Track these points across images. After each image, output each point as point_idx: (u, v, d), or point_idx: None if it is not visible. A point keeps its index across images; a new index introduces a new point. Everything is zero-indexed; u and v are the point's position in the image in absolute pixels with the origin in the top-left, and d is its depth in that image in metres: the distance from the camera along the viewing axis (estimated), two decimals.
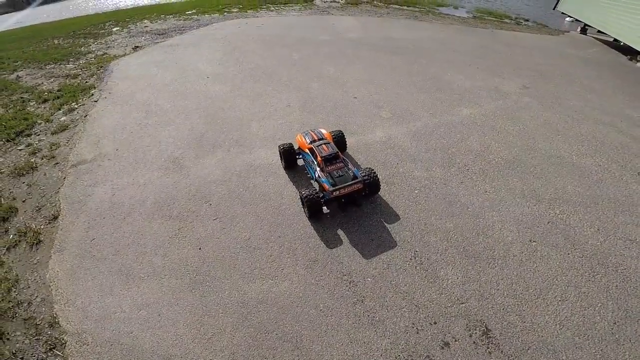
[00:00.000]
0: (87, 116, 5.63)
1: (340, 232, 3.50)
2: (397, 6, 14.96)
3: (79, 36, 12.36)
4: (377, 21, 11.14)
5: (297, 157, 4.28)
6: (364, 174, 3.67)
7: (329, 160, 3.78)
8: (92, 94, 6.32)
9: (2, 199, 4.24)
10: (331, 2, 15.47)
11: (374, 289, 2.98)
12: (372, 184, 3.66)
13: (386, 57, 7.35)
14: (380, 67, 6.80)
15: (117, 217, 3.78)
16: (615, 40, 10.10)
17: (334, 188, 3.50)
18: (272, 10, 13.21)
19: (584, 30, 13.64)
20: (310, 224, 3.60)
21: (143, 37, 10.21)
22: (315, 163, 3.85)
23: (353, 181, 3.57)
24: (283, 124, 4.99)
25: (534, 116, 5.42)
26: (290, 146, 4.21)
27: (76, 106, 6.01)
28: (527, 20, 15.79)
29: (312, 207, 3.50)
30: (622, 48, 9.50)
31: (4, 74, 8.41)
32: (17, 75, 8.13)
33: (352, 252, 3.28)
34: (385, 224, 3.56)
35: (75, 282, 3.15)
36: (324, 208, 3.71)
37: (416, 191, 3.98)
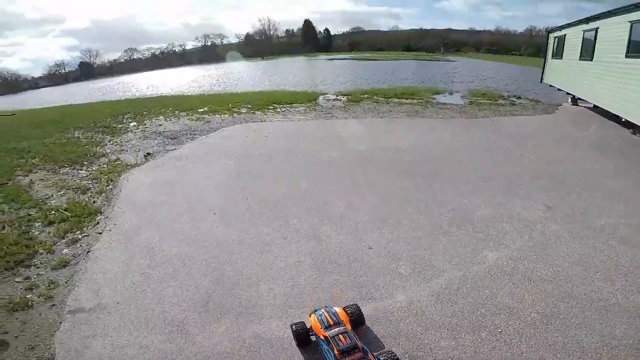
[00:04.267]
0: (90, 253, 4.99)
1: None
2: (396, 99, 15.12)
3: (99, 129, 12.13)
4: (380, 124, 10.99)
5: (310, 334, 3.52)
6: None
7: (347, 352, 3.05)
8: (98, 222, 5.74)
9: None
10: (334, 100, 15.52)
11: None
12: None
13: (397, 180, 6.81)
14: (393, 197, 6.21)
15: None
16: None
17: None
18: (278, 112, 12.98)
19: (574, 101, 13.68)
20: None
21: (155, 141, 9.85)
22: (331, 354, 3.10)
23: None
24: (294, 286, 4.31)
25: (567, 252, 4.73)
26: (303, 327, 3.49)
27: (80, 237, 5.40)
28: (519, 98, 16.24)
29: None
30: (617, 118, 9.39)
31: (19, 176, 7.95)
32: (31, 180, 7.68)
33: None
34: None
35: None
36: None
37: None
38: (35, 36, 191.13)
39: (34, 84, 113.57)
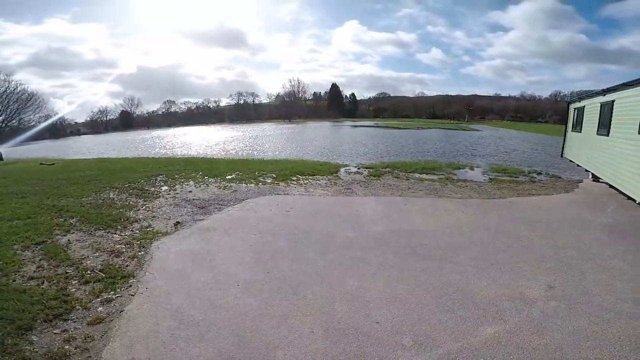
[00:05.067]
0: (123, 312, 5.63)
1: None
2: (417, 175, 15.90)
3: (133, 191, 13.25)
4: (398, 203, 11.47)
5: None
6: None
7: None
8: (131, 285, 6.42)
9: None
10: (355, 173, 16.44)
11: None
12: None
13: (408, 263, 7.26)
14: (403, 278, 6.65)
15: None
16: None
17: None
18: (300, 185, 13.90)
19: (596, 177, 13.18)
20: None
21: (184, 210, 10.84)
22: None
23: None
24: (306, 353, 4.80)
25: (562, 325, 5.10)
26: None
27: (114, 297, 6.06)
28: (540, 174, 16.71)
29: None
30: None
31: (58, 235, 8.80)
32: (69, 240, 8.52)
33: None
34: None
35: None
36: None
37: None
38: (87, 79, 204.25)
39: (76, 130, 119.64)
